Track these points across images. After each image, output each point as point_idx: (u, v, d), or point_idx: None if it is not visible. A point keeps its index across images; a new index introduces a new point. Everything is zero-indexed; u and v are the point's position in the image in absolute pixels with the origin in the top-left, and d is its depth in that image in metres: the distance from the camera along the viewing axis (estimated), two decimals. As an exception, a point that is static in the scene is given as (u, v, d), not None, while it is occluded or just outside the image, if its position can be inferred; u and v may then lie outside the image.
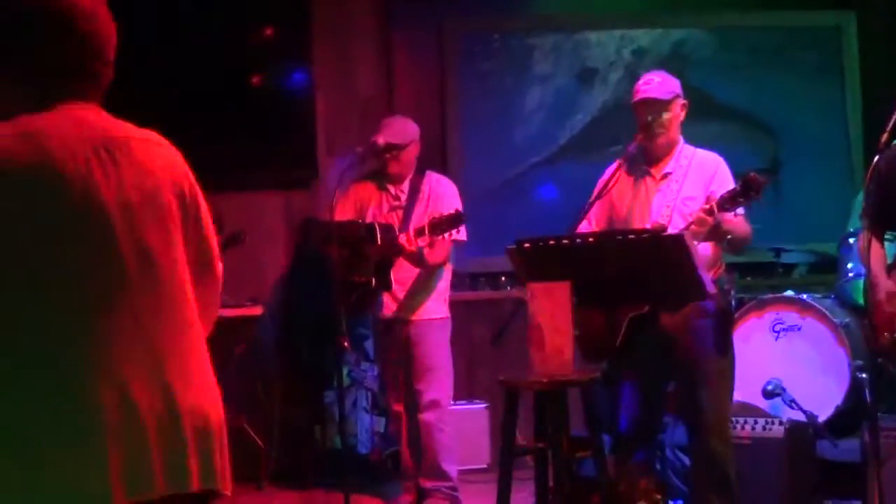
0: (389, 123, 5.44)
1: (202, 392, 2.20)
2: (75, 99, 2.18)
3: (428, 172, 5.50)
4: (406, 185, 5.44)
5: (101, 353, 2.06)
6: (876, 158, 3.78)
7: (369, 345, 6.46)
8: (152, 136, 2.25)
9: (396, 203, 5.43)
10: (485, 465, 6.29)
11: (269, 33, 6.83)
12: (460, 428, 5.76)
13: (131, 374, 2.08)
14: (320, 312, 5.37)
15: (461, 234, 5.08)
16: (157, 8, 6.27)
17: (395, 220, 5.37)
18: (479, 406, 6.45)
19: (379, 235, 5.21)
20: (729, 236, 4.21)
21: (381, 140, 5.28)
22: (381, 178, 5.47)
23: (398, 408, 5.52)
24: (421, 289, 5.38)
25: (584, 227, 4.49)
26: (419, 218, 5.26)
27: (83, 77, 2.20)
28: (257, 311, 6.38)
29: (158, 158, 2.21)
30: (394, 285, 5.30)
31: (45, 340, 2.04)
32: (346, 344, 5.81)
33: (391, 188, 5.45)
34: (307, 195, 6.73)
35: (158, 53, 6.14)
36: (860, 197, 4.25)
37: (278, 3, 6.85)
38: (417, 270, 5.33)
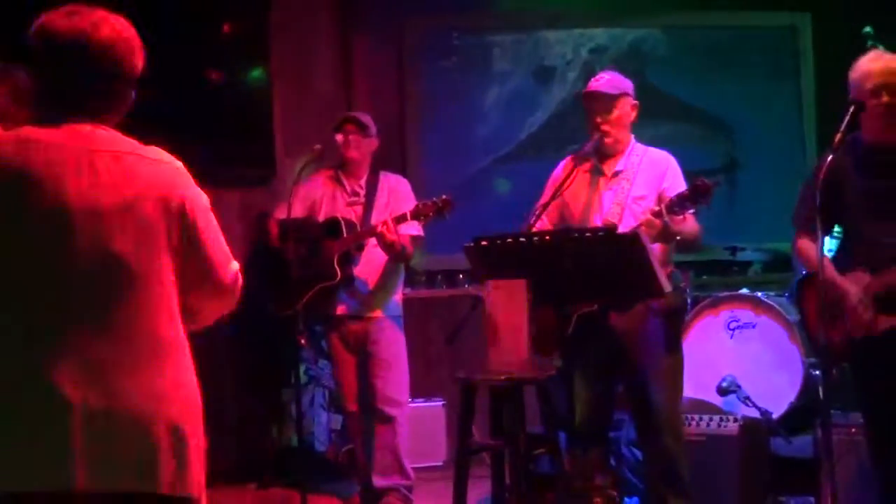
0: (357, 113, 5.53)
1: (153, 395, 2.27)
2: (85, 116, 2.34)
3: (382, 172, 5.48)
4: (363, 182, 5.41)
5: (53, 349, 2.18)
6: (829, 158, 3.81)
7: (326, 344, 6.44)
8: (151, 151, 2.39)
9: (355, 199, 5.39)
10: (441, 463, 6.30)
11: (227, 30, 6.80)
12: (417, 425, 5.75)
13: (73, 371, 2.18)
14: (277, 310, 5.33)
15: (418, 228, 5.09)
16: (114, 5, 6.22)
17: (353, 215, 5.33)
18: (436, 403, 6.45)
19: (344, 229, 5.19)
20: (678, 237, 4.23)
21: (349, 113, 5.35)
22: (338, 172, 5.44)
23: (353, 406, 5.46)
24: (383, 285, 5.34)
25: (539, 226, 4.50)
26: (379, 214, 5.24)
27: (93, 97, 2.35)
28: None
29: (147, 172, 2.33)
30: (356, 281, 5.28)
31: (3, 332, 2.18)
32: (303, 341, 5.80)
33: (347, 184, 5.41)
34: (265, 193, 6.69)
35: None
36: None
37: (237, 1, 6.82)
38: (381, 267, 5.28)
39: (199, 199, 2.43)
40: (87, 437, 2.17)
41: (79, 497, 2.18)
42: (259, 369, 6.50)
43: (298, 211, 5.34)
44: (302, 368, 6.28)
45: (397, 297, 5.42)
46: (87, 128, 2.32)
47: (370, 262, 5.28)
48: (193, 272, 2.42)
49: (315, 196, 5.42)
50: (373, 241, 5.17)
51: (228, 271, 2.52)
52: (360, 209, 5.35)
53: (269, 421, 6.40)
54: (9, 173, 2.22)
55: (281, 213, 5.35)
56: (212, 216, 2.46)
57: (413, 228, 5.12)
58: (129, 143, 2.37)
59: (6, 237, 2.21)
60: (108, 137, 2.34)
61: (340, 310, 5.35)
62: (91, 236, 2.23)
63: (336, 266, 5.17)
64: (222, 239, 2.50)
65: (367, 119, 5.40)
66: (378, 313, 5.34)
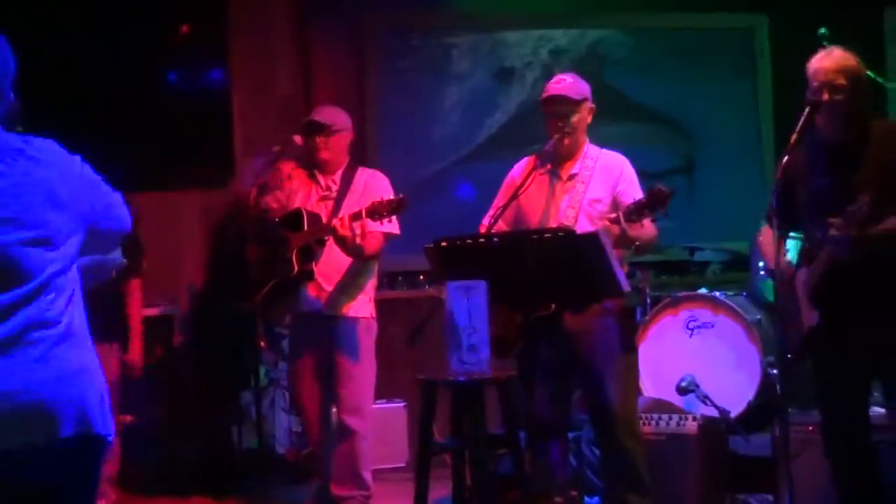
0: (322, 108, 5.37)
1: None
2: None
3: (361, 167, 5.34)
4: (338, 177, 5.25)
5: None
6: (785, 160, 3.85)
7: (287, 344, 6.42)
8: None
9: (327, 193, 5.23)
10: (403, 464, 6.29)
11: (186, 31, 6.77)
12: (378, 427, 5.72)
13: None
14: (237, 312, 5.30)
15: (394, 226, 4.94)
16: (74, 5, 6.19)
17: (324, 210, 5.17)
18: (397, 405, 6.44)
19: (305, 222, 5.03)
20: (636, 243, 4.25)
21: (310, 117, 5.20)
22: (311, 167, 5.29)
23: (310, 406, 5.27)
24: (349, 284, 5.15)
25: (496, 228, 4.50)
26: (350, 210, 5.02)
27: None
28: (175, 311, 6.32)
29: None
30: (320, 279, 5.09)
31: None
32: (262, 344, 5.77)
33: (321, 179, 5.26)
34: (225, 194, 6.66)
35: (74, 52, 6.07)
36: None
37: (196, 2, 6.79)
38: (347, 264, 5.11)
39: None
40: None
41: None
42: (219, 372, 6.47)
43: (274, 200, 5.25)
44: (262, 371, 6.25)
45: (366, 297, 5.23)
46: None
47: (336, 259, 5.09)
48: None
49: (292, 188, 5.29)
50: None
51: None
52: (331, 204, 5.20)
53: (229, 424, 6.37)
54: None
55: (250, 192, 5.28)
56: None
57: (388, 225, 4.91)
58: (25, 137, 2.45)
59: None
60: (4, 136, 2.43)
61: (304, 307, 5.18)
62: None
63: (294, 260, 5.01)
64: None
65: (328, 117, 5.24)
66: (343, 313, 5.15)
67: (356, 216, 4.81)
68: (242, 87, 6.80)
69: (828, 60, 4.02)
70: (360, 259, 5.10)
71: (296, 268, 5.01)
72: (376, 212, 4.74)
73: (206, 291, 6.51)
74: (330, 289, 5.14)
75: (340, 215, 4.98)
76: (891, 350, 3.96)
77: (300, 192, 5.28)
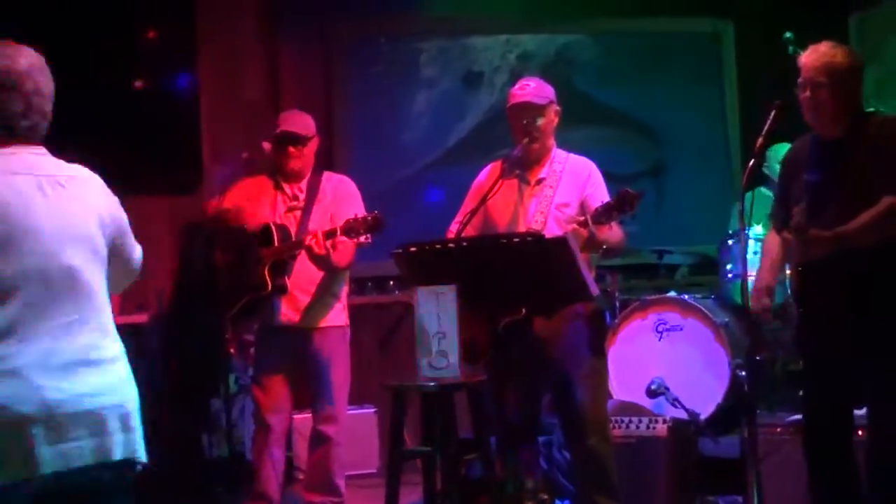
0: (289, 115, 5.24)
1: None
2: (23, 143, 2.61)
3: (326, 172, 5.26)
4: (304, 185, 5.16)
5: (30, 347, 2.48)
6: (751, 164, 3.88)
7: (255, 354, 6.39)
8: (82, 171, 2.70)
9: (294, 203, 5.13)
10: (374, 470, 6.29)
11: (153, 37, 6.74)
12: (349, 433, 5.69)
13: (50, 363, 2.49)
14: (206, 319, 5.26)
15: (366, 236, 4.81)
16: (41, 10, 6.15)
17: (292, 220, 5.09)
18: (368, 411, 6.44)
19: (276, 237, 4.96)
20: (604, 246, 4.26)
21: (285, 128, 5.09)
22: (277, 178, 5.19)
23: (271, 419, 5.12)
24: (324, 294, 5.09)
25: (465, 233, 4.50)
26: (318, 219, 5.00)
27: (28, 127, 2.62)
28: (143, 318, 6.28)
29: (86, 193, 2.67)
30: (295, 291, 5.03)
31: None
32: (232, 351, 5.73)
33: (287, 187, 5.16)
34: (192, 200, 6.63)
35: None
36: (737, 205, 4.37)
37: (162, 7, 6.76)
38: (320, 276, 5.04)
39: (118, 209, 2.82)
40: None
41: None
42: (188, 379, 6.43)
43: (233, 200, 5.16)
44: (232, 378, 6.23)
45: (341, 305, 5.18)
46: (34, 155, 2.61)
47: (307, 271, 5.02)
48: (119, 272, 2.80)
49: (257, 197, 5.19)
50: None
51: (139, 258, 2.93)
52: (299, 214, 5.11)
53: (199, 431, 6.34)
54: None
55: (214, 204, 5.19)
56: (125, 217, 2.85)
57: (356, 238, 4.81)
58: (66, 165, 2.66)
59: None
60: (52, 162, 2.64)
61: (278, 320, 5.09)
62: (56, 252, 2.55)
63: (266, 276, 4.94)
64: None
65: (301, 126, 5.15)
66: (318, 324, 5.09)
67: (330, 234, 4.73)
68: (210, 92, 6.78)
69: (811, 57, 4.05)
70: (334, 273, 5.06)
71: (269, 285, 4.95)
72: (352, 230, 4.66)
73: (174, 298, 6.48)
74: (306, 301, 5.08)
75: (311, 228, 4.93)
76: (871, 348, 3.98)
77: (266, 203, 5.18)
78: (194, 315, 5.24)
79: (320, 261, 4.85)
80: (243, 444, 6.36)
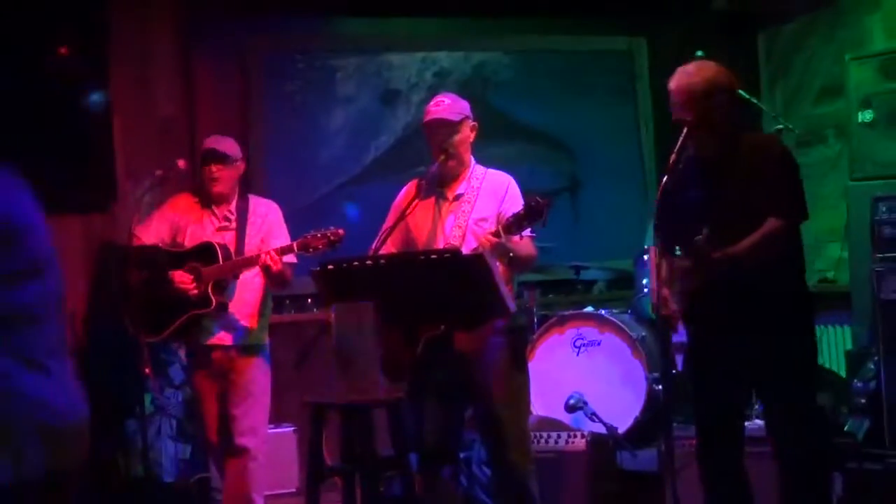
0: (217, 138, 5.28)
1: None
2: None
3: (251, 196, 5.33)
4: (234, 207, 5.21)
5: None
6: (664, 179, 3.92)
7: (174, 370, 6.32)
8: None
9: (226, 224, 5.17)
10: (294, 489, 6.24)
11: (64, 53, 6.63)
12: (269, 452, 5.65)
13: None
14: (120, 339, 5.19)
15: (293, 256, 4.97)
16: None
17: (225, 241, 5.11)
18: (287, 430, 6.39)
19: (220, 255, 4.99)
20: (511, 254, 4.25)
21: (210, 145, 5.14)
22: (203, 196, 5.23)
23: (214, 438, 5.21)
24: (255, 313, 5.16)
25: (384, 251, 4.50)
26: (252, 241, 5.10)
27: None
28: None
29: None
30: (232, 310, 5.09)
31: None
32: (147, 371, 5.66)
33: (217, 209, 5.19)
34: (106, 219, 6.53)
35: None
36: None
37: (74, 23, 6.65)
38: (255, 294, 5.13)
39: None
40: None
41: None
42: (103, 400, 6.32)
43: (162, 229, 5.18)
44: (148, 398, 6.14)
45: (266, 322, 5.25)
46: None
47: (243, 290, 5.12)
48: None
49: (179, 220, 5.21)
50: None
51: None
52: (231, 234, 5.15)
53: (114, 452, 6.23)
54: None
55: (145, 233, 5.18)
56: None
57: (289, 256, 4.96)
58: None
59: None
60: None
61: (208, 339, 5.12)
62: None
63: (210, 294, 4.97)
64: None
65: (227, 146, 5.20)
66: (247, 342, 5.15)
67: (286, 250, 4.88)
68: (123, 109, 6.67)
69: (674, 79, 4.12)
70: (282, 289, 5.22)
71: (213, 302, 4.99)
72: (310, 246, 4.82)
73: (87, 318, 6.37)
74: (241, 320, 5.14)
75: (246, 249, 5.05)
76: (760, 365, 4.04)
77: (192, 223, 5.20)
78: (108, 335, 5.15)
79: (276, 277, 4.98)
80: (160, 464, 6.27)
